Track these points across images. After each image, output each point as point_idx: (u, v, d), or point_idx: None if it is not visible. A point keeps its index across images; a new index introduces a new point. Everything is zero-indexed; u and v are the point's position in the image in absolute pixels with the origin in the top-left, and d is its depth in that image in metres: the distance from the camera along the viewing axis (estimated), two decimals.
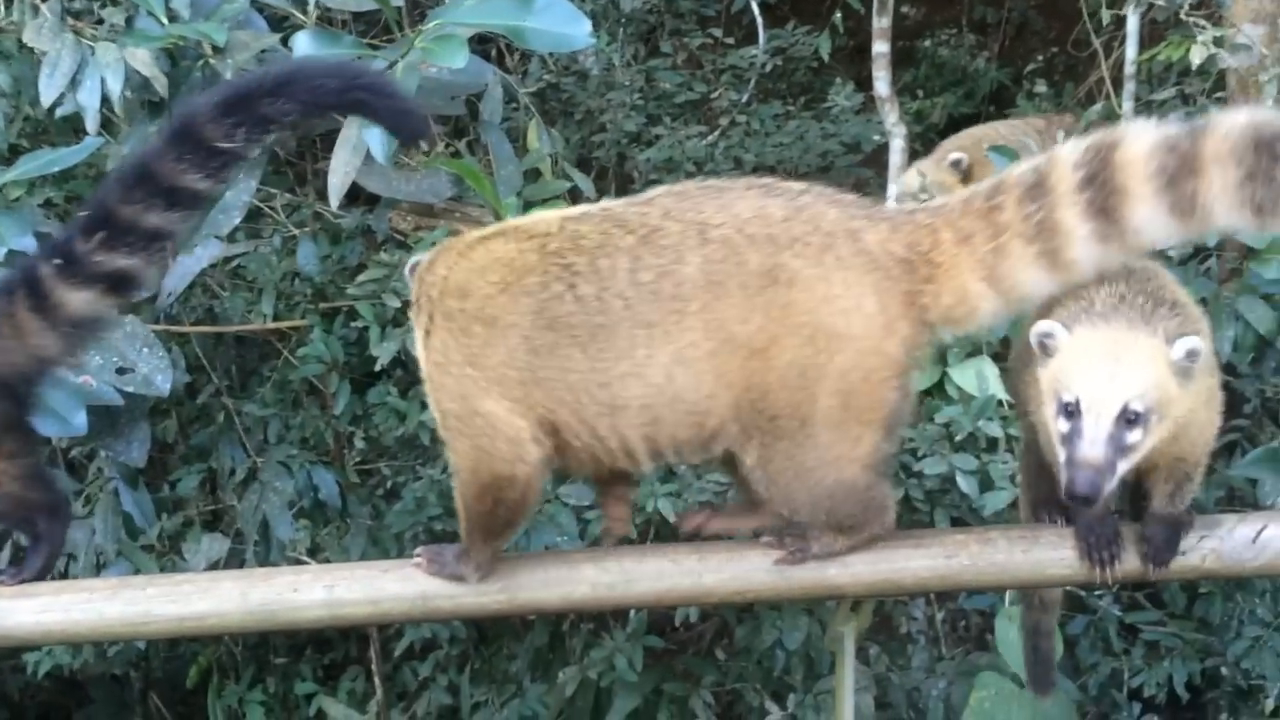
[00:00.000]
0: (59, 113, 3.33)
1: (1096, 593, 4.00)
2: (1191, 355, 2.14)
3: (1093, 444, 2.11)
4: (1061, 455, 2.15)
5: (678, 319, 2.19)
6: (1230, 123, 2.07)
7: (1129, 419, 2.12)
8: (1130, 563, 2.47)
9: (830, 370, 2.20)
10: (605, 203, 2.36)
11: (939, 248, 2.23)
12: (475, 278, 2.27)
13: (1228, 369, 3.74)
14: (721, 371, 2.20)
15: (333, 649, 4.81)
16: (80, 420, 3.00)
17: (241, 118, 2.27)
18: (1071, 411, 2.14)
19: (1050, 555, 2.51)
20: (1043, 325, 2.23)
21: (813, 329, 2.19)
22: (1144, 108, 4.63)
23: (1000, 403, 3.45)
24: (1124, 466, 2.14)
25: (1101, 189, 2.11)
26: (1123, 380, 2.12)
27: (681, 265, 2.19)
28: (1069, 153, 2.16)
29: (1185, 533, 2.45)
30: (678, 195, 2.29)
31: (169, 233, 2.37)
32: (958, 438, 3.40)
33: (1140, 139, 2.11)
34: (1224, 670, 3.90)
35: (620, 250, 2.21)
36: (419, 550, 2.50)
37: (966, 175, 4.44)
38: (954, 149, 4.79)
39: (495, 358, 2.24)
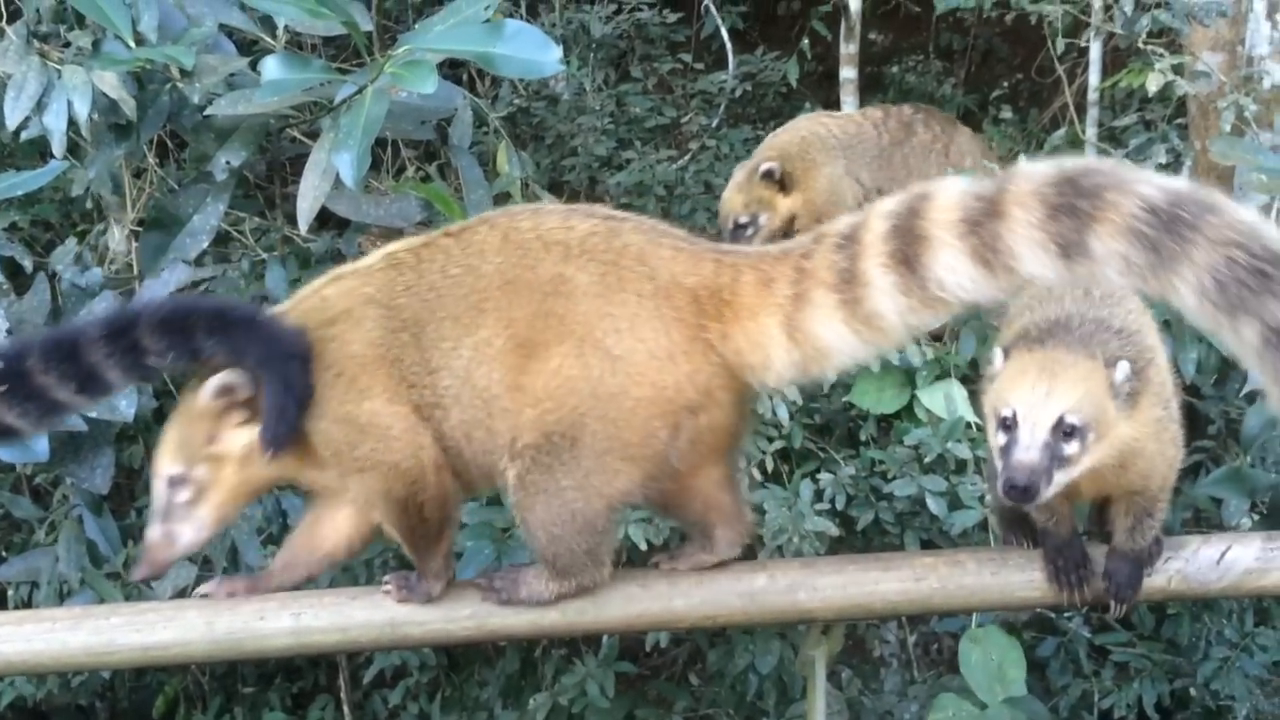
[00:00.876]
0: (24, 136, 3.30)
1: (1066, 614, 4.02)
2: (1130, 378, 2.18)
3: (1028, 449, 2.14)
4: (1000, 465, 2.18)
5: (476, 314, 2.25)
6: (1037, 168, 2.01)
7: (1065, 431, 2.15)
8: (1098, 586, 2.50)
9: (600, 391, 2.20)
10: None
11: (738, 288, 2.21)
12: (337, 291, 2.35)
13: (1191, 390, 3.79)
14: (509, 371, 2.24)
15: (302, 677, 4.75)
16: (42, 447, 2.97)
17: (175, 342, 2.28)
18: (1009, 425, 2.17)
19: (1018, 578, 2.53)
20: (994, 354, 2.29)
21: (586, 345, 2.21)
22: (1107, 134, 4.71)
23: (968, 424, 3.47)
24: (1062, 477, 2.16)
25: (905, 238, 2.06)
26: (1058, 394, 2.15)
27: (484, 263, 2.26)
28: (885, 204, 2.13)
29: (1149, 568, 2.48)
30: (508, 212, 2.40)
31: (67, 409, 2.37)
32: (927, 459, 3.43)
33: (951, 189, 2.07)
34: (1193, 691, 3.92)
35: (439, 248, 2.32)
36: (388, 577, 2.50)
37: (783, 183, 4.13)
38: (772, 153, 4.28)
39: (368, 358, 2.28)
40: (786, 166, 4.15)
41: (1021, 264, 1.98)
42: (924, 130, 4.25)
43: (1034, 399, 2.16)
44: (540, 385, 2.22)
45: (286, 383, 2.27)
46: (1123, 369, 2.19)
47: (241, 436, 2.35)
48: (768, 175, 4.07)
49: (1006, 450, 2.16)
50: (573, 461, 2.23)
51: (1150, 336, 2.37)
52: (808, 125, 4.26)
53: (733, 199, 4.14)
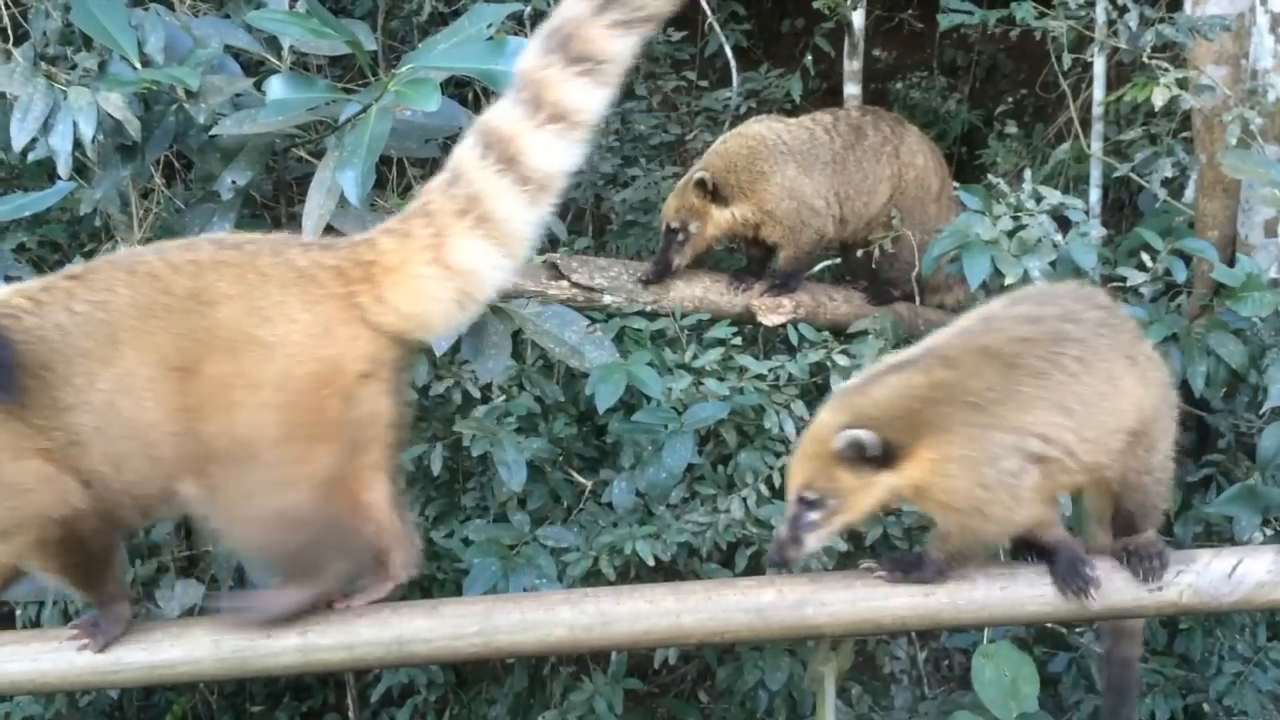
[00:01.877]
0: (31, 157, 3.31)
1: (1078, 630, 3.99)
2: (853, 446, 2.30)
3: (781, 523, 2.42)
4: None
5: (112, 347, 2.25)
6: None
7: (808, 503, 2.37)
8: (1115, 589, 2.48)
9: (263, 381, 2.25)
10: None
11: (380, 251, 2.38)
12: None
13: (1201, 404, 3.77)
14: (170, 396, 2.24)
15: (311, 696, 4.74)
16: None
17: None
18: None
19: (1027, 592, 2.52)
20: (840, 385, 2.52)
21: (239, 343, 2.25)
22: (1112, 148, 4.70)
23: None
24: (816, 540, 2.41)
25: (500, 146, 2.34)
26: (796, 472, 2.40)
27: (114, 297, 2.27)
28: (466, 140, 2.40)
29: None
30: (131, 251, 2.45)
31: None
32: None
33: (496, 110, 2.38)
34: (1206, 706, 3.89)
35: (61, 289, 2.30)
36: (72, 625, 2.47)
37: (716, 193, 4.02)
38: (716, 160, 4.12)
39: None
40: (730, 178, 4.03)
41: (586, 112, 2.34)
42: (874, 132, 4.19)
43: (790, 475, 2.42)
44: (206, 398, 2.24)
45: None
46: (840, 440, 2.31)
47: None
48: (699, 185, 4.01)
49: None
50: (253, 461, 2.25)
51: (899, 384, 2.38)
52: (759, 131, 4.15)
53: (668, 204, 4.10)
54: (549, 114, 2.34)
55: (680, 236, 4.05)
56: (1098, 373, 2.38)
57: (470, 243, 2.35)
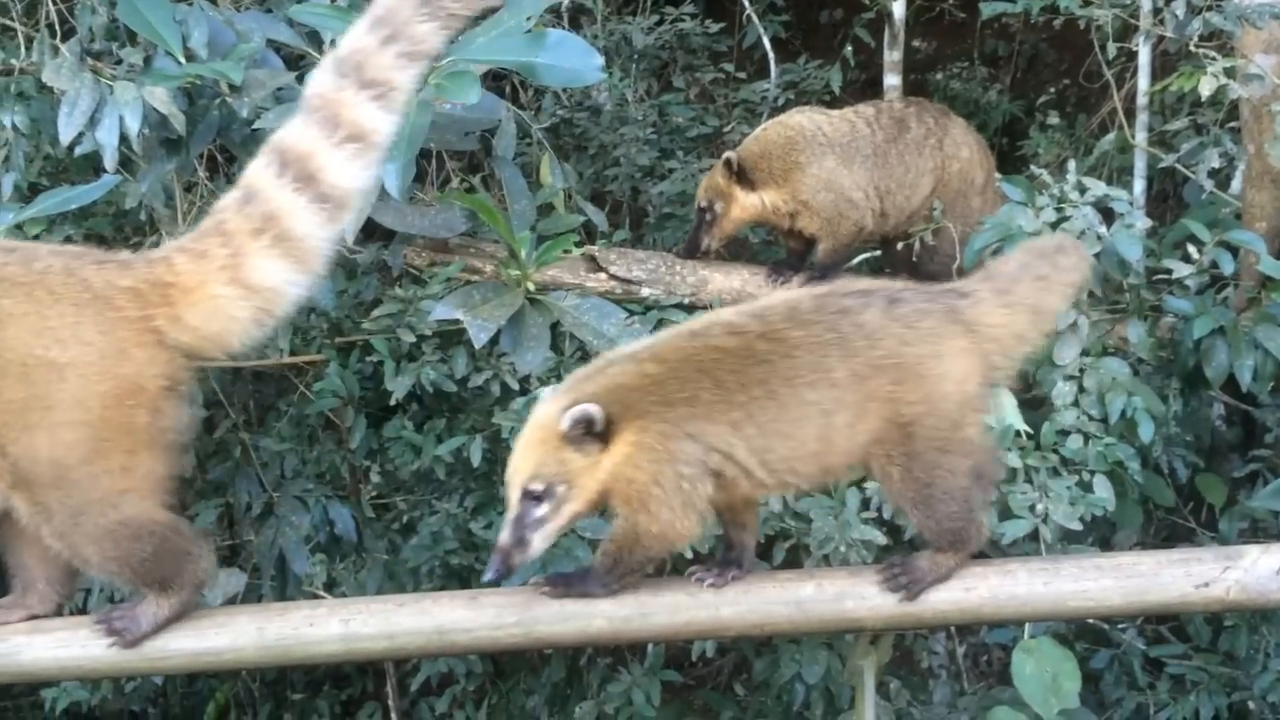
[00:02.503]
0: (78, 151, 3.36)
1: (1120, 626, 3.95)
2: (580, 422, 2.28)
3: (504, 528, 2.34)
4: None
5: None
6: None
7: (534, 497, 2.32)
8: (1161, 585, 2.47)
9: (60, 402, 2.26)
10: None
11: (176, 272, 2.37)
12: None
13: (1248, 399, 3.72)
14: None
15: (350, 685, 4.79)
16: None
17: None
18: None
19: (1071, 588, 2.49)
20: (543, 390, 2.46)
21: (29, 364, 2.24)
22: (1157, 138, 4.63)
23: (1018, 433, 3.42)
24: (542, 538, 2.36)
25: (296, 164, 2.38)
26: (520, 465, 2.34)
27: None
28: (258, 162, 2.43)
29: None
30: None
31: None
32: None
33: (289, 130, 2.43)
34: (1251, 704, 3.84)
35: None
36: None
37: (742, 176, 4.00)
38: (752, 145, 4.10)
39: None
40: (762, 164, 4.00)
41: (380, 134, 2.41)
42: (917, 124, 4.14)
43: (510, 473, 2.36)
44: (3, 421, 2.25)
45: None
46: (568, 417, 2.29)
47: None
48: (725, 165, 3.99)
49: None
50: (70, 481, 2.28)
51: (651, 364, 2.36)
52: (799, 121, 4.11)
53: (701, 183, 4.11)
54: (347, 133, 2.40)
55: (708, 216, 4.06)
56: (781, 397, 2.32)
57: (268, 262, 2.39)
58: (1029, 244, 2.73)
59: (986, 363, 2.44)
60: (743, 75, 6.01)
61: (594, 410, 2.28)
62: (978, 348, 2.41)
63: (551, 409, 2.35)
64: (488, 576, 2.34)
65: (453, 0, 2.45)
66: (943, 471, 2.38)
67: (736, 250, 4.15)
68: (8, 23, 4.00)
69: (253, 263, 2.38)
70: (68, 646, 2.47)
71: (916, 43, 6.71)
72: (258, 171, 2.43)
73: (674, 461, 2.33)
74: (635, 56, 5.64)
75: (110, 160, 3.32)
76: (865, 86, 6.25)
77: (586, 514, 2.46)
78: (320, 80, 2.42)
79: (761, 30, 5.71)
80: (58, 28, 3.88)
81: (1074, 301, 3.48)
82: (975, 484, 2.47)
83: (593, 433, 2.30)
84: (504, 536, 2.34)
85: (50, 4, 3.88)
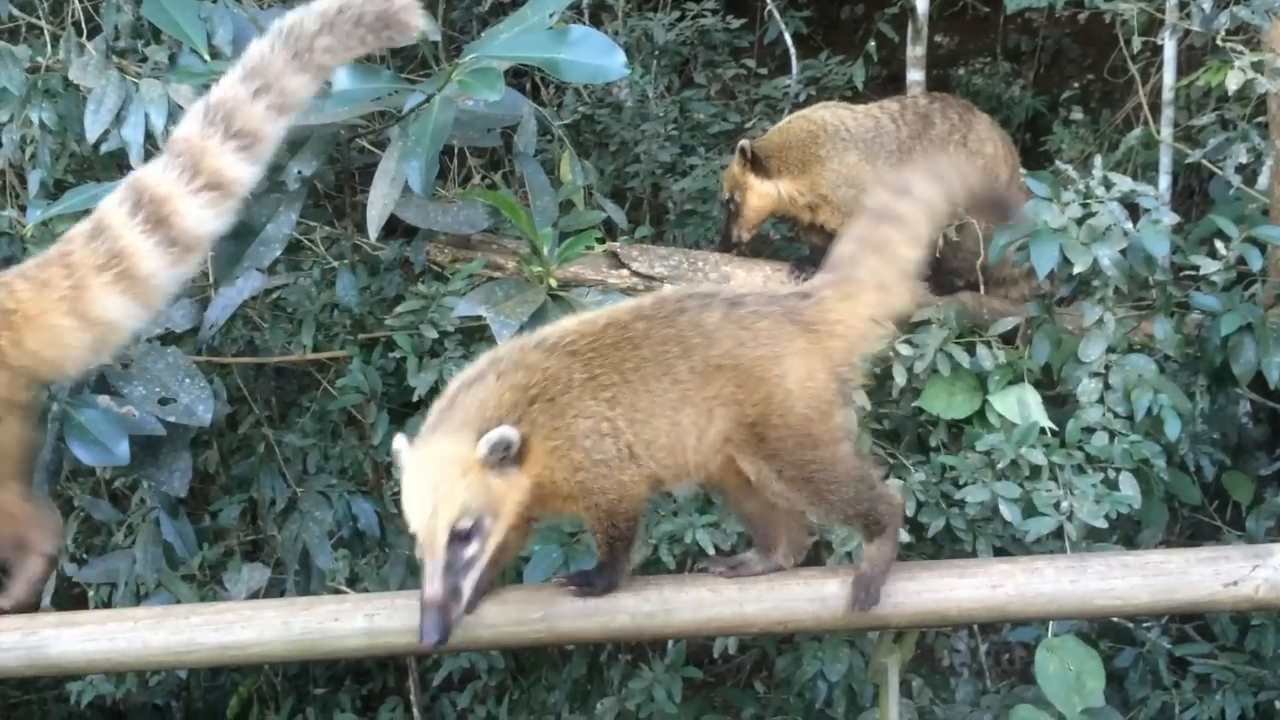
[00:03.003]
0: (104, 148, 3.39)
1: (1145, 625, 3.92)
2: (496, 448, 2.21)
3: (432, 580, 2.21)
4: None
5: None
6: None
7: (461, 538, 2.22)
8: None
9: None
10: None
11: (18, 300, 2.47)
12: None
13: (1275, 396, 3.68)
14: None
15: (371, 679, 4.81)
16: (123, 450, 3.03)
17: None
18: (420, 547, 2.24)
19: (1098, 586, 2.48)
20: (395, 441, 2.33)
21: None
22: (1183, 133, 4.60)
23: (1043, 430, 3.41)
24: (470, 582, 2.25)
25: (149, 205, 2.47)
26: (442, 508, 2.21)
27: None
28: (114, 198, 2.52)
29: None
30: None
31: None
32: (999, 465, 3.36)
33: (149, 170, 2.53)
34: (1278, 704, 3.81)
35: None
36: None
37: (756, 164, 3.98)
38: (774, 135, 4.12)
39: None
40: (781, 153, 4.00)
41: (240, 185, 2.51)
42: (941, 120, 4.10)
43: (425, 519, 2.22)
44: None
45: None
46: (485, 444, 2.22)
47: None
48: (740, 152, 3.97)
49: (421, 581, 2.24)
50: None
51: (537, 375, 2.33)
52: (823, 116, 4.09)
53: (723, 175, 4.13)
54: (206, 181, 2.50)
55: (731, 207, 4.07)
56: (638, 389, 2.34)
57: (109, 298, 2.48)
58: (869, 202, 2.61)
59: (831, 360, 2.43)
60: (764, 71, 6.00)
61: (511, 434, 2.24)
62: (819, 347, 2.41)
63: (456, 445, 2.26)
64: (428, 641, 2.20)
65: (325, 53, 2.52)
66: (817, 466, 2.38)
67: (759, 247, 4.14)
68: (35, 21, 4.03)
69: (93, 296, 2.48)
70: (95, 640, 2.49)
71: (939, 38, 6.68)
72: (111, 208, 2.52)
73: (578, 444, 2.32)
74: (656, 53, 5.64)
75: (137, 157, 3.35)
76: (887, 82, 6.23)
77: (507, 544, 2.40)
78: (188, 125, 2.52)
79: (783, 26, 5.70)
80: (84, 26, 3.91)
81: (1100, 300, 3.47)
82: (864, 462, 2.50)
83: (510, 456, 2.26)
84: (434, 590, 2.20)
85: (76, 2, 3.91)
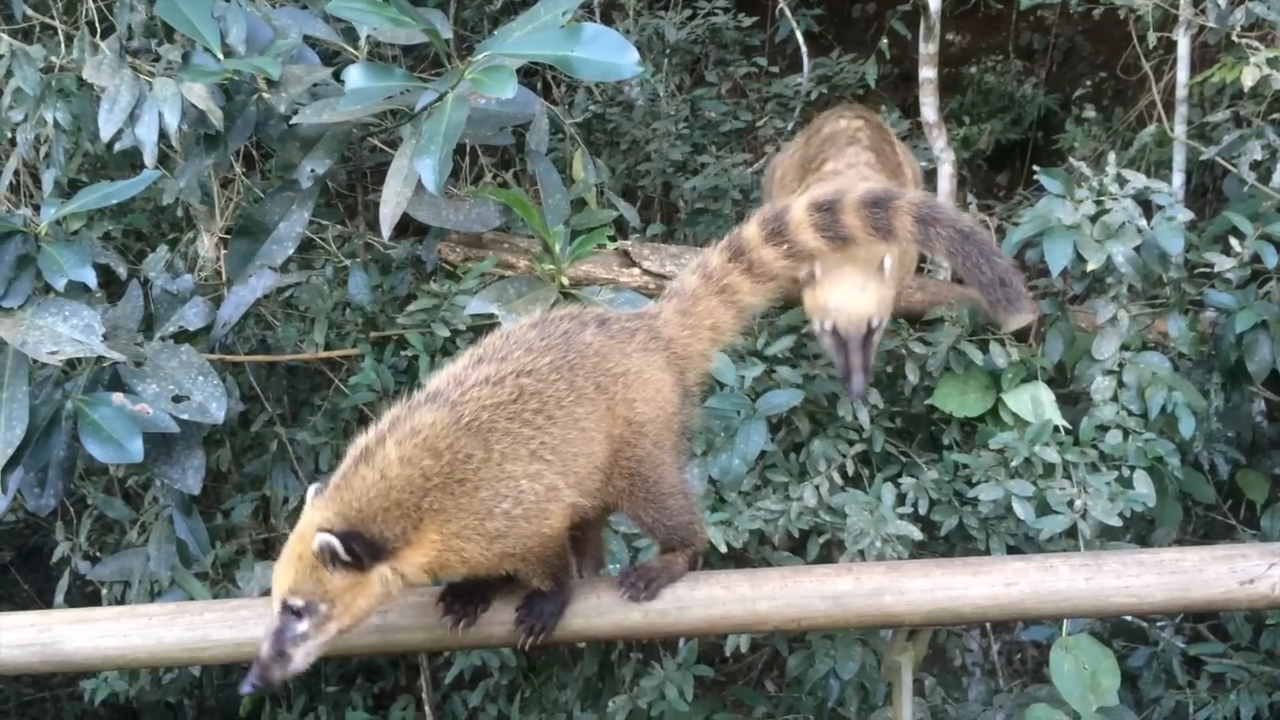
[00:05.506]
0: (117, 147, 3.39)
1: (1159, 624, 3.91)
2: (324, 552, 2.16)
3: (264, 640, 2.22)
4: None
5: None
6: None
7: (294, 612, 2.19)
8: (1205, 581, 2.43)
9: None
10: None
11: None
12: None
13: None
14: None
15: (383, 678, 4.82)
16: (137, 448, 3.03)
17: None
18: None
19: (1113, 584, 2.47)
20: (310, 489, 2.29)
21: None
22: (1196, 131, 4.57)
23: (1056, 428, 3.39)
24: (302, 654, 2.21)
25: None
26: (279, 577, 2.21)
27: None
28: None
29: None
30: None
31: None
32: (1013, 463, 3.35)
33: None
34: None
35: None
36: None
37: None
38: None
39: None
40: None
41: None
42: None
43: (274, 579, 2.23)
44: None
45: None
46: (315, 544, 2.15)
47: None
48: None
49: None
50: None
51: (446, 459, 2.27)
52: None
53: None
54: None
55: None
56: (560, 420, 2.35)
57: None
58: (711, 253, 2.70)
59: (682, 377, 2.59)
60: (775, 70, 5.99)
61: (338, 544, 2.15)
62: (673, 363, 2.56)
63: (311, 520, 2.21)
64: (245, 689, 2.20)
65: None
66: (665, 468, 2.50)
67: None
68: (48, 20, 4.05)
69: None
70: (110, 636, 2.50)
71: (951, 35, 6.66)
72: None
73: (494, 513, 2.27)
74: (667, 51, 5.63)
75: (150, 156, 3.35)
76: (899, 80, 6.22)
77: (368, 619, 2.32)
78: None
79: (794, 24, 5.69)
80: (97, 25, 3.92)
81: (1114, 298, 3.46)
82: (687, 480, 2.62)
83: (346, 561, 2.17)
84: (264, 649, 2.20)
85: (90, 2, 3.92)
